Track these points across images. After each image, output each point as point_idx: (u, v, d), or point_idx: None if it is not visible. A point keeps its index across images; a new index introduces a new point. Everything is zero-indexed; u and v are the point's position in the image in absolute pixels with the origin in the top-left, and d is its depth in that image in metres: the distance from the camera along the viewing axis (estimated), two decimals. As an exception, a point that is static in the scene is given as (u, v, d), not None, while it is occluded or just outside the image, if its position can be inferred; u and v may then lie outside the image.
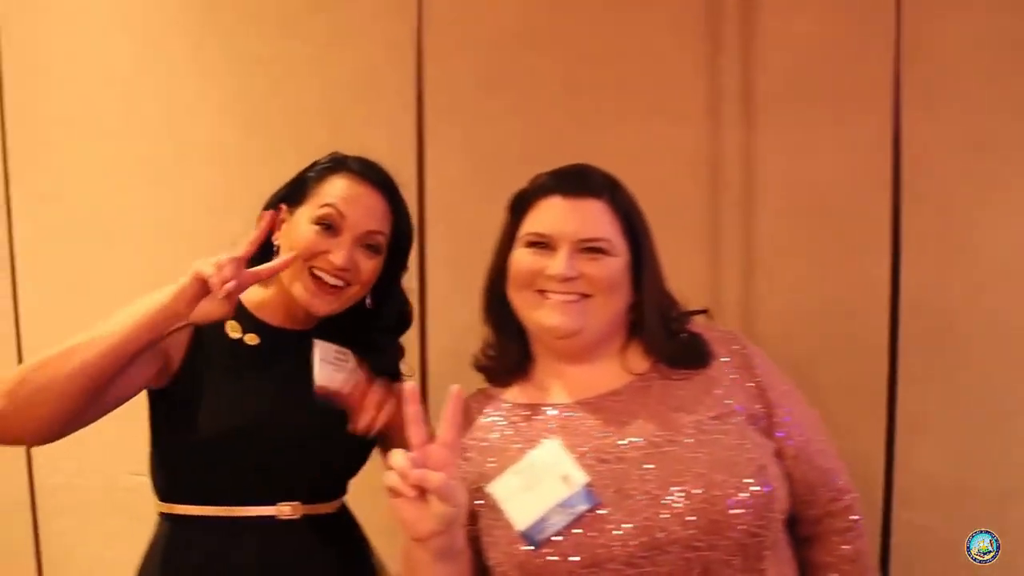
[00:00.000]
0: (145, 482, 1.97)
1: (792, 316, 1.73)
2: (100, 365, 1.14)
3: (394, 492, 0.92)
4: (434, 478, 0.90)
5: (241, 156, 1.90)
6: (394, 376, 1.39)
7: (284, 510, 1.28)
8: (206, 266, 1.15)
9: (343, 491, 1.39)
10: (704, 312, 1.19)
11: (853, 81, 1.70)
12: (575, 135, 1.76)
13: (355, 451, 1.36)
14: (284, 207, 1.32)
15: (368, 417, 1.30)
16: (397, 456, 0.92)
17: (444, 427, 0.95)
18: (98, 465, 1.99)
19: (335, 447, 1.33)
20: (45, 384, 1.13)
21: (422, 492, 0.91)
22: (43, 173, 1.96)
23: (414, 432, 0.94)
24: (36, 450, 2.01)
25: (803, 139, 1.73)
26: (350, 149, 1.83)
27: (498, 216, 1.71)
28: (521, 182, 1.74)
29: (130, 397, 1.26)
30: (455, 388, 0.97)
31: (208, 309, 1.17)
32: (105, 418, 1.94)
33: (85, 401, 1.15)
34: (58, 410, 1.14)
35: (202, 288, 1.15)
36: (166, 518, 1.33)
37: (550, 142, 1.76)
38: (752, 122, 1.74)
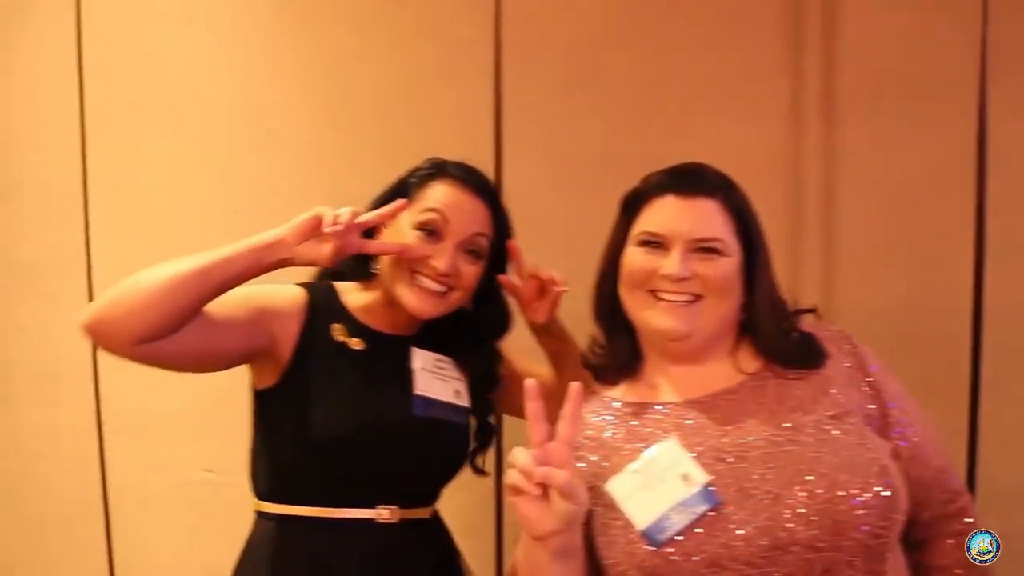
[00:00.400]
0: (215, 479, 2.03)
1: (873, 317, 1.73)
2: (204, 275, 1.16)
3: (516, 490, 0.93)
4: (559, 476, 0.91)
5: (318, 151, 1.94)
6: (492, 380, 1.42)
7: (383, 513, 1.31)
8: (326, 208, 1.21)
9: (437, 496, 1.42)
10: (813, 311, 1.19)
11: (938, 79, 1.71)
12: (654, 134, 1.77)
13: (452, 457, 1.39)
14: (407, 201, 1.33)
15: (537, 308, 1.40)
16: (520, 454, 0.93)
17: (564, 424, 0.96)
18: (170, 462, 2.03)
19: (433, 453, 1.36)
20: (152, 282, 1.15)
21: (544, 490, 0.92)
22: (121, 168, 2.00)
23: (536, 430, 0.95)
24: (109, 447, 2.06)
25: (886, 138, 1.73)
26: (427, 146, 1.86)
27: (576, 215, 1.75)
28: (599, 181, 1.77)
29: (228, 356, 1.28)
30: (576, 385, 0.98)
31: (310, 250, 1.22)
32: (176, 416, 2.02)
33: (184, 307, 1.16)
34: (157, 310, 1.14)
35: (315, 226, 1.21)
36: (265, 517, 1.36)
37: (629, 141, 1.78)
38: (834, 121, 1.75)
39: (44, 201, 2.04)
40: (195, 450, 2.02)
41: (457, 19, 1.85)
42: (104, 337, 1.17)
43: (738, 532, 0.96)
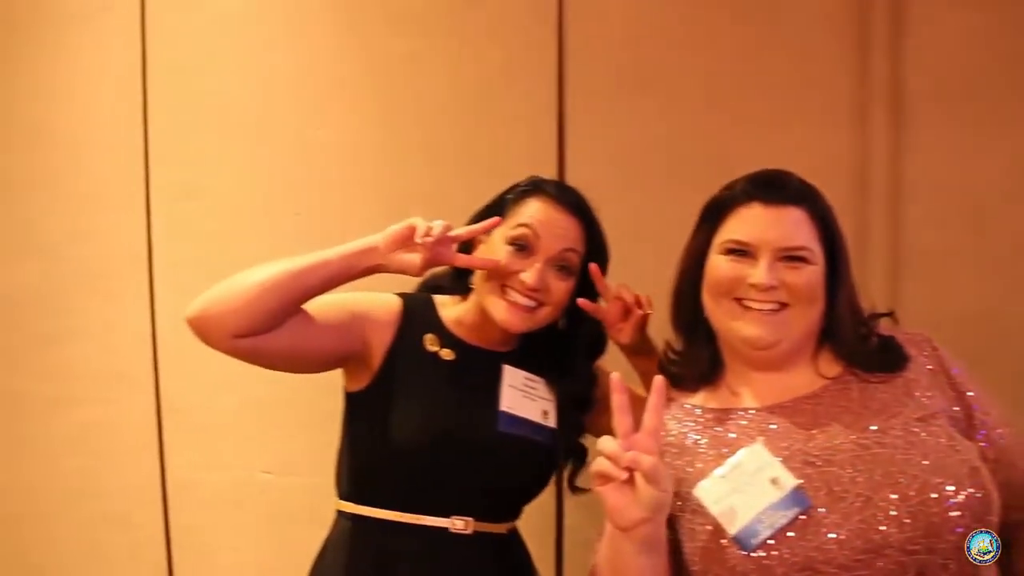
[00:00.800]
0: (272, 480, 2.10)
1: (940, 322, 1.72)
2: (299, 276, 1.26)
3: (603, 478, 0.99)
4: (645, 460, 0.97)
5: (377, 154, 1.99)
6: (586, 402, 1.45)
7: (457, 523, 1.36)
8: (419, 219, 1.29)
9: (516, 515, 1.47)
10: (890, 315, 1.23)
11: (1009, 79, 1.72)
12: (718, 137, 1.80)
13: (532, 477, 1.44)
14: (501, 219, 1.39)
15: (621, 329, 1.43)
16: (607, 442, 0.99)
17: (649, 416, 1.02)
18: (229, 462, 2.10)
19: (513, 470, 1.41)
20: (250, 282, 1.24)
21: (631, 477, 0.98)
22: (181, 170, 2.07)
23: (621, 420, 1.01)
24: (169, 447, 2.13)
25: (955, 140, 1.75)
26: (490, 150, 1.92)
27: (640, 216, 1.79)
28: (663, 182, 1.81)
29: (322, 357, 1.36)
30: (660, 378, 1.04)
31: (402, 259, 1.29)
32: (236, 416, 2.09)
33: (279, 306, 1.25)
34: (253, 307, 1.23)
35: (408, 236, 1.28)
36: (343, 516, 1.42)
37: (693, 144, 1.82)
38: (902, 122, 1.77)
39: (106, 202, 2.11)
40: (253, 451, 2.09)
41: (520, 21, 1.89)
42: (204, 331, 1.26)
43: (830, 535, 1.00)
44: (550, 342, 1.45)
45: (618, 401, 1.02)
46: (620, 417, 1.01)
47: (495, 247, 1.38)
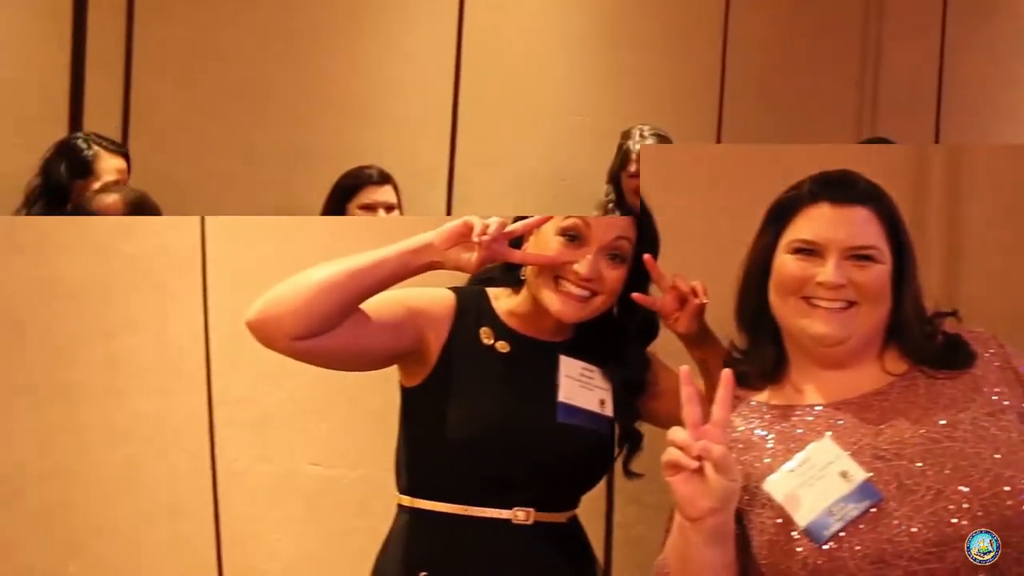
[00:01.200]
0: (322, 472, 2.16)
1: (1000, 317, 1.76)
2: (356, 276, 1.28)
3: (673, 468, 1.03)
4: (716, 449, 1.02)
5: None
6: (639, 387, 1.49)
7: (518, 515, 1.40)
8: (475, 217, 1.31)
9: (575, 504, 1.51)
10: (954, 314, 1.27)
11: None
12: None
13: (592, 466, 1.48)
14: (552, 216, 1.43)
15: (677, 318, 1.45)
16: (677, 431, 1.04)
17: (717, 408, 1.06)
18: (279, 454, 2.15)
19: (573, 461, 1.44)
20: (308, 283, 1.26)
21: (700, 467, 1.02)
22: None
23: (690, 411, 1.06)
24: (219, 438, 2.20)
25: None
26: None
27: (691, 213, 1.82)
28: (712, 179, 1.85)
29: (379, 355, 1.39)
30: (727, 372, 1.09)
31: (457, 256, 1.32)
32: (285, 409, 2.15)
33: (338, 307, 1.27)
34: (312, 309, 1.25)
35: (464, 233, 1.31)
36: (404, 510, 1.47)
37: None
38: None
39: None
40: (302, 443, 2.15)
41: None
42: (264, 333, 1.30)
43: (901, 528, 1.03)
44: (604, 330, 1.48)
45: (687, 392, 1.07)
46: (689, 408, 1.06)
47: (546, 239, 1.41)
